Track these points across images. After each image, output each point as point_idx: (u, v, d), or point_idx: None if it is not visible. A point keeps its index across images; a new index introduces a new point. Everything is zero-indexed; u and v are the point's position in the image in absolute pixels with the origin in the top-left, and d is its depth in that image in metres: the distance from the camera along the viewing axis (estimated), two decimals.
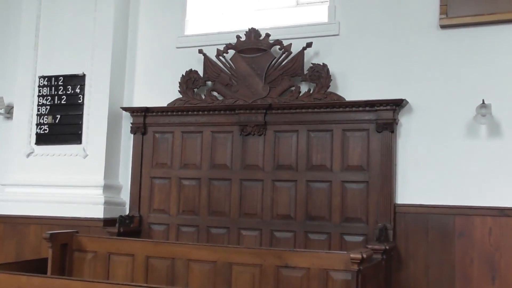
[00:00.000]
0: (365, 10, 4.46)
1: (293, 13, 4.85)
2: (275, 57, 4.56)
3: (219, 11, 5.17)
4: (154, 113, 4.89)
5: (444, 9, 4.11)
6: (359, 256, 3.12)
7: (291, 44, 4.51)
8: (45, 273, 3.86)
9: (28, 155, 4.99)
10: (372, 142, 4.22)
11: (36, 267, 3.82)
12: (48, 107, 5.02)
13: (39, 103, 5.04)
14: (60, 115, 4.99)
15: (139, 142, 4.92)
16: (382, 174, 4.15)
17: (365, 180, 4.21)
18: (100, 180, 4.81)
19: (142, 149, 4.91)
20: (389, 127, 4.16)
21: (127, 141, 5.05)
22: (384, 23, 4.38)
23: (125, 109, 4.99)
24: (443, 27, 4.15)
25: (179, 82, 4.84)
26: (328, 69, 4.39)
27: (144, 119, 4.90)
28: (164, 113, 4.85)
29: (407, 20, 4.31)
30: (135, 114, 4.93)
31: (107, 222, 4.72)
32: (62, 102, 5.00)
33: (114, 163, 4.97)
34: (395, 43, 4.32)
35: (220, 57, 4.73)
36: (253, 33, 4.68)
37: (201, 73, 4.81)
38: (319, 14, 4.69)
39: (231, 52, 4.72)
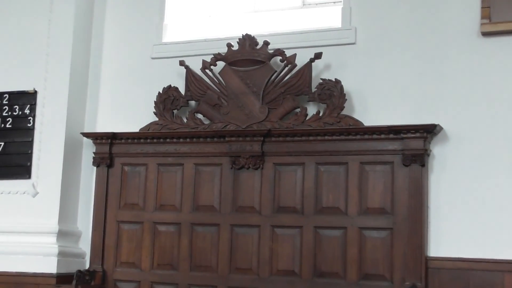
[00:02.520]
0: (388, 13, 4.53)
1: (298, 16, 4.92)
2: (276, 71, 4.61)
3: (205, 13, 5.24)
4: (123, 140, 4.91)
5: (487, 13, 4.15)
6: None
7: (295, 54, 4.57)
8: None
9: None
10: (398, 178, 4.24)
11: None
12: None
13: None
14: (4, 142, 5.02)
15: (103, 177, 4.94)
16: (410, 219, 4.16)
17: (388, 226, 4.22)
18: (54, 225, 4.80)
19: (107, 185, 4.92)
20: (418, 159, 4.19)
21: (88, 176, 5.07)
22: (412, 29, 4.44)
23: (87, 135, 5.02)
24: (485, 34, 4.21)
25: (154, 102, 4.88)
26: (342, 87, 4.44)
27: (110, 148, 4.93)
28: (135, 140, 4.88)
29: (440, 26, 4.37)
30: (99, 141, 4.95)
31: (62, 278, 4.69)
32: (7, 126, 5.02)
33: (72, 203, 4.97)
34: (425, 55, 4.37)
35: (207, 71, 4.78)
36: (248, 40, 4.74)
37: (182, 90, 4.85)
38: (331, 18, 4.75)
39: (221, 64, 4.77)
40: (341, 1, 4.76)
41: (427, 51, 4.38)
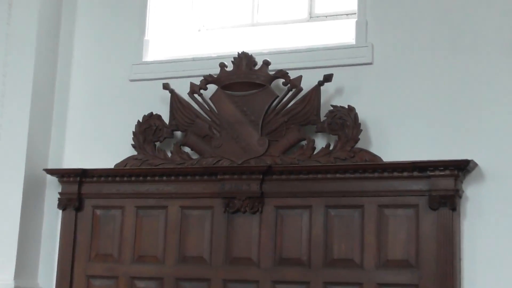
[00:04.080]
0: (411, 28, 4.54)
1: (304, 31, 4.95)
2: (277, 96, 4.62)
3: (194, 26, 5.28)
4: (95, 178, 4.91)
5: None
6: None
7: (301, 76, 4.58)
8: None
9: None
10: (424, 224, 4.21)
11: None
12: None
13: None
14: None
15: (70, 222, 4.91)
16: (439, 274, 4.12)
17: (413, 283, 4.18)
18: (9, 282, 4.74)
19: (75, 232, 4.90)
20: (449, 201, 4.17)
21: (52, 221, 5.04)
22: (440, 48, 4.44)
23: (51, 171, 5.01)
24: None
25: (133, 132, 4.89)
26: (356, 115, 4.44)
27: (79, 187, 4.92)
28: (109, 178, 4.87)
29: (474, 44, 4.37)
30: (65, 179, 4.95)
31: None
32: None
33: (32, 254, 4.93)
34: (455, 78, 4.37)
35: (196, 95, 4.79)
36: (244, 59, 4.75)
37: (166, 118, 4.86)
38: (343, 33, 4.77)
39: (212, 87, 4.78)
40: (355, 13, 4.79)
41: (458, 74, 4.37)
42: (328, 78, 4.52)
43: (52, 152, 5.13)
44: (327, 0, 5.14)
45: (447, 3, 4.48)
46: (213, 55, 4.95)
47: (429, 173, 4.19)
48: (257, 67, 4.70)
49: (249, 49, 4.79)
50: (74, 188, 4.91)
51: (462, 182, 4.24)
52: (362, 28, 4.65)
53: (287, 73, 4.61)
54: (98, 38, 5.29)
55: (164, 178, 4.75)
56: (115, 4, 5.32)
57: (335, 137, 4.48)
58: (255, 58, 4.73)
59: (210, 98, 4.76)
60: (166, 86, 4.87)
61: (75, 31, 5.34)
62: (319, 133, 4.54)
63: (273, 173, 4.51)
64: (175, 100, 4.84)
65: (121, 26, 5.25)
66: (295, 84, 4.58)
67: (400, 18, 4.59)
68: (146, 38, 5.18)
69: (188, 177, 4.70)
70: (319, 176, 4.43)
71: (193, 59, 5.01)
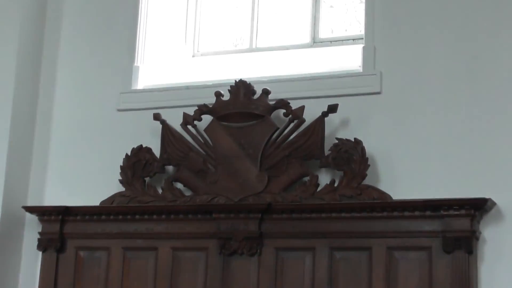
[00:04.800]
0: (423, 54, 4.54)
1: (307, 57, 4.98)
2: (278, 128, 4.62)
3: (188, 52, 5.30)
4: (79, 217, 4.89)
5: None
6: None
7: (303, 107, 4.58)
8: None
9: None
10: (437, 268, 4.18)
11: None
12: None
13: None
14: None
15: (51, 265, 4.89)
16: None
17: None
18: None
19: (57, 276, 4.87)
20: (464, 244, 4.14)
21: (31, 263, 5.02)
22: (455, 76, 4.44)
23: (30, 209, 4.99)
24: None
25: (121, 167, 4.89)
26: (363, 149, 4.43)
27: (61, 227, 4.90)
28: (94, 216, 4.86)
29: (491, 72, 4.37)
30: (46, 218, 4.93)
31: None
32: None
33: None
34: (472, 109, 4.37)
35: (189, 127, 4.80)
36: (242, 88, 4.75)
37: (157, 152, 4.86)
38: (349, 60, 4.79)
39: (207, 118, 4.78)
40: (362, 39, 4.81)
41: (474, 105, 4.37)
42: (333, 108, 4.53)
43: (31, 188, 5.12)
44: (332, 24, 5.17)
45: (463, 29, 4.49)
46: (208, 83, 4.96)
47: (442, 212, 4.18)
48: (256, 96, 4.71)
49: (247, 77, 4.80)
50: (55, 227, 4.89)
51: (479, 223, 4.22)
52: (369, 54, 4.66)
53: (289, 103, 4.61)
54: (83, 64, 5.31)
55: (154, 216, 4.74)
56: (102, 26, 5.35)
57: (340, 173, 4.47)
58: (253, 87, 4.74)
59: (205, 130, 4.76)
60: (157, 117, 4.88)
61: (58, 57, 5.37)
62: (323, 169, 4.53)
63: (273, 211, 4.50)
64: (167, 131, 4.84)
65: (108, 51, 5.27)
66: (297, 115, 4.58)
67: (412, 44, 4.60)
68: (135, 64, 5.19)
69: (181, 216, 4.69)
70: (323, 215, 4.41)
71: (187, 87, 5.02)
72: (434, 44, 4.55)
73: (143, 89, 5.14)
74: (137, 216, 4.77)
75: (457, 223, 4.15)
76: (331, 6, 5.22)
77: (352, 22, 5.15)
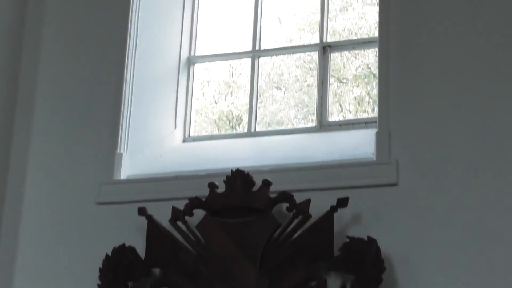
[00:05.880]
0: (446, 139, 4.55)
1: (313, 142, 5.01)
2: (280, 225, 4.59)
3: (178, 136, 5.33)
4: None
5: None
6: None
7: (309, 200, 4.57)
8: None
9: None
10: None
11: None
12: None
13: None
14: None
15: None
16: None
17: None
18: None
19: None
20: None
21: None
22: (483, 164, 4.44)
23: None
24: None
25: (100, 269, 4.84)
26: (378, 249, 4.39)
27: None
28: None
29: None
30: None
31: None
32: None
33: None
34: (502, 203, 4.36)
35: (179, 223, 4.77)
36: (240, 178, 4.74)
37: (141, 252, 4.83)
38: (361, 146, 4.81)
39: (199, 213, 4.77)
40: (375, 122, 4.83)
41: (505, 199, 4.36)
42: (343, 202, 4.52)
43: None
44: (341, 105, 5.20)
45: (490, 112, 4.53)
46: (200, 173, 4.96)
47: None
48: (255, 188, 4.70)
49: (245, 166, 4.80)
50: None
51: None
52: (384, 140, 4.67)
53: (293, 195, 4.60)
54: (57, 151, 5.32)
55: None
56: (80, 107, 5.38)
57: (352, 277, 4.42)
58: (252, 177, 4.73)
59: (197, 227, 4.74)
60: (142, 211, 4.86)
61: (31, 141, 5.39)
62: (332, 272, 4.50)
63: None
64: (153, 228, 4.82)
65: (87, 135, 5.29)
66: (302, 209, 4.57)
67: (433, 128, 4.62)
68: (118, 151, 5.20)
69: None
70: None
71: (176, 178, 5.02)
72: (457, 128, 4.58)
73: (127, 180, 5.14)
74: None
75: None
76: (341, 81, 5.28)
77: (364, 103, 5.19)
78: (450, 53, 4.68)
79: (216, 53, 5.63)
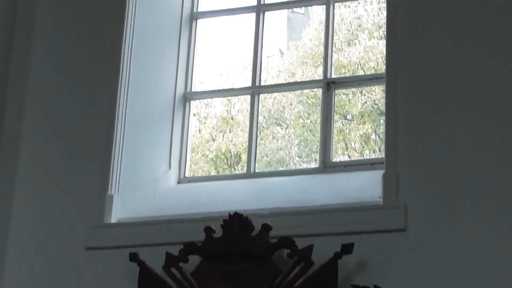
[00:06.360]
0: (457, 182, 4.55)
1: (316, 184, 5.02)
2: (281, 272, 4.57)
3: (172, 177, 5.33)
4: None
5: None
6: None
7: (312, 246, 4.54)
8: None
9: None
10: None
11: None
12: None
13: None
14: None
15: None
16: None
17: None
18: None
19: None
20: None
21: None
22: (499, 208, 4.44)
23: None
24: None
25: None
26: None
27: None
28: None
29: None
30: None
31: None
32: None
33: None
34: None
35: (173, 270, 4.74)
36: (238, 222, 4.71)
37: None
38: (367, 189, 4.81)
39: (195, 259, 4.74)
40: (382, 163, 4.84)
41: None
42: (347, 248, 4.49)
43: None
44: (346, 143, 5.21)
45: (505, 154, 4.53)
46: (196, 216, 4.93)
47: None
48: (254, 233, 4.67)
49: (243, 209, 4.79)
50: None
51: None
52: (392, 183, 4.67)
53: (294, 241, 4.57)
54: (45, 192, 5.31)
55: None
56: (70, 146, 5.37)
57: None
58: (251, 221, 4.71)
59: (192, 274, 4.71)
60: (133, 257, 4.82)
61: (16, 181, 5.39)
62: None
63: None
64: (146, 275, 4.78)
65: (77, 176, 5.28)
66: (304, 256, 4.54)
67: (443, 170, 4.61)
68: (109, 192, 5.18)
69: None
70: None
71: (170, 221, 4.98)
72: (469, 170, 4.57)
73: (118, 223, 5.11)
74: None
75: None
76: (346, 118, 5.28)
77: (370, 141, 5.19)
78: (462, 90, 4.68)
79: (214, 89, 5.64)
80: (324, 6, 5.39)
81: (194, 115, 5.66)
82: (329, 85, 5.27)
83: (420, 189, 4.63)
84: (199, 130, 5.45)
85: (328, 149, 5.16)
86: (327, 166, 5.11)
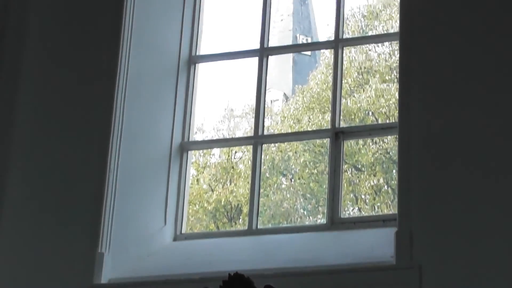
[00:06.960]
0: (475, 239, 4.53)
1: (323, 242, 5.01)
2: None
3: (168, 233, 5.31)
4: None
5: None
6: None
7: None
8: None
9: None
10: None
11: None
12: None
13: None
14: None
15: None
16: None
17: None
18: None
19: None
20: None
21: None
22: None
23: None
24: None
25: None
26: None
27: None
28: None
29: None
30: None
31: None
32: None
33: None
34: None
35: None
36: (238, 283, 4.68)
37: None
38: (378, 247, 4.79)
39: None
40: (395, 219, 4.82)
41: None
42: None
43: None
44: (356, 195, 5.19)
45: None
46: (193, 276, 4.90)
47: None
48: None
49: (245, 269, 4.72)
50: None
51: None
52: (405, 241, 4.65)
53: None
54: (29, 251, 5.27)
55: None
56: (57, 200, 5.34)
57: None
58: (253, 282, 4.67)
59: None
60: None
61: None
62: None
63: None
64: None
65: (64, 233, 5.24)
66: None
67: (460, 229, 4.60)
68: (99, 251, 5.15)
69: None
70: None
71: (165, 282, 4.97)
72: (487, 228, 4.55)
73: (108, 284, 5.08)
74: None
75: None
76: (356, 168, 5.26)
77: (382, 193, 5.17)
78: (477, 140, 4.67)
79: (214, 138, 5.64)
80: (333, 50, 5.38)
81: (192, 163, 5.61)
82: (338, 135, 5.24)
83: (436, 248, 4.60)
84: (197, 180, 5.41)
85: (336, 203, 5.13)
86: (335, 222, 5.08)
